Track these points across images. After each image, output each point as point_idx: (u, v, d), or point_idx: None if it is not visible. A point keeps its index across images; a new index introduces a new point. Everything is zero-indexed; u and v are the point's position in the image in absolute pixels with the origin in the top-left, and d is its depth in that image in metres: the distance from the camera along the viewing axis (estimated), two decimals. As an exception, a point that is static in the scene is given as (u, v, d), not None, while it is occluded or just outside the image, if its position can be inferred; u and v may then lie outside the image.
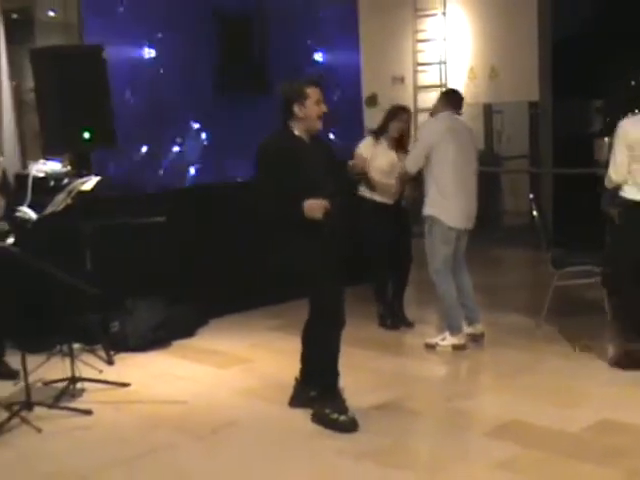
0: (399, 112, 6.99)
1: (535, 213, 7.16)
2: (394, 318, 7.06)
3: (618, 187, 5.78)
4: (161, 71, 7.59)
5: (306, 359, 5.13)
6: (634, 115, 5.82)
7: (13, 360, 5.84)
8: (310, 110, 4.83)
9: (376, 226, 6.88)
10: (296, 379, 5.24)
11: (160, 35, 7.57)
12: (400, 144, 6.88)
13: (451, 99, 6.48)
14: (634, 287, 5.81)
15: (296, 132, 4.91)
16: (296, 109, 4.83)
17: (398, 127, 6.86)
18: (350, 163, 4.98)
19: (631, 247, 5.77)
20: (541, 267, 7.54)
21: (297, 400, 5.21)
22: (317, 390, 5.04)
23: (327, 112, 4.89)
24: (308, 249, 4.81)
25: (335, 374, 4.97)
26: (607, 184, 5.85)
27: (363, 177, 6.78)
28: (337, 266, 4.95)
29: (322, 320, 4.90)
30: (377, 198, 6.92)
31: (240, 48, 8.49)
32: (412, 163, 6.38)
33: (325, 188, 4.81)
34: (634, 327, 5.81)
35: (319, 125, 4.90)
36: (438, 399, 5.47)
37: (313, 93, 4.84)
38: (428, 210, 6.32)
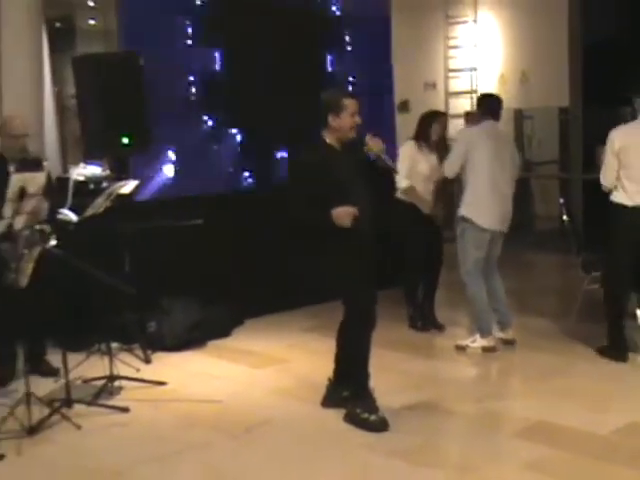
0: (438, 115, 7.10)
1: (565, 218, 7.22)
2: (424, 320, 7.09)
3: (610, 192, 5.96)
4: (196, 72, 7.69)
5: (340, 360, 5.19)
6: (626, 124, 6.01)
7: (54, 358, 5.95)
8: (344, 121, 4.88)
9: (410, 228, 6.92)
10: (329, 379, 5.29)
11: (195, 41, 7.66)
12: (438, 147, 6.92)
13: (489, 107, 6.51)
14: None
15: (327, 140, 4.97)
16: (330, 119, 4.89)
17: (438, 130, 6.92)
18: (367, 139, 4.88)
19: (621, 250, 5.94)
20: (571, 271, 7.57)
21: (330, 400, 5.27)
22: (350, 391, 5.11)
23: (360, 123, 4.93)
24: (340, 254, 4.86)
25: (366, 374, 5.03)
26: (603, 188, 6.01)
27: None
28: (369, 269, 4.99)
29: (355, 322, 4.97)
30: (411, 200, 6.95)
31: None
32: (449, 167, 6.44)
33: (357, 194, 4.86)
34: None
35: (352, 135, 4.95)
36: (468, 400, 5.50)
37: (350, 105, 4.89)
38: (462, 210, 6.38)
